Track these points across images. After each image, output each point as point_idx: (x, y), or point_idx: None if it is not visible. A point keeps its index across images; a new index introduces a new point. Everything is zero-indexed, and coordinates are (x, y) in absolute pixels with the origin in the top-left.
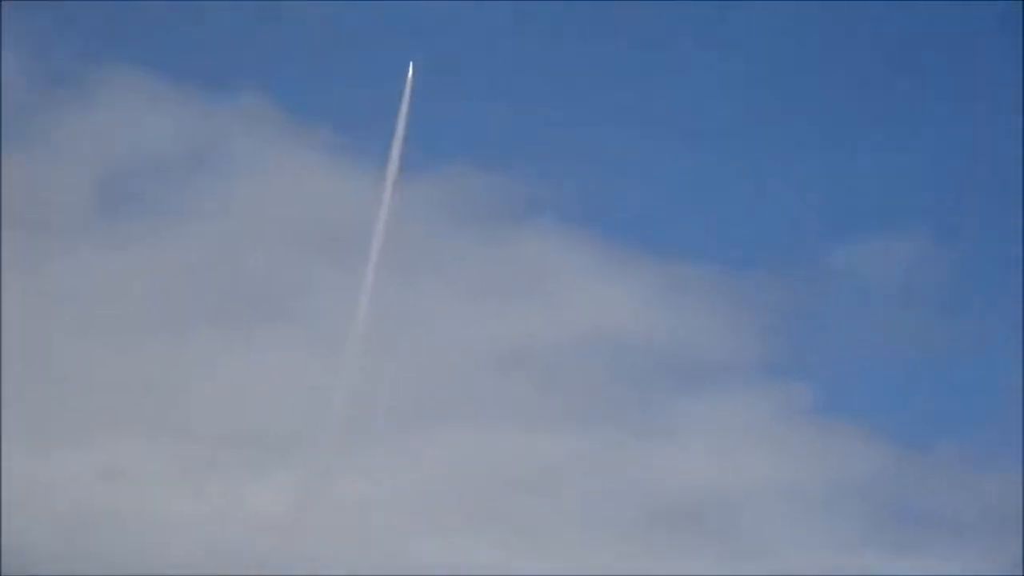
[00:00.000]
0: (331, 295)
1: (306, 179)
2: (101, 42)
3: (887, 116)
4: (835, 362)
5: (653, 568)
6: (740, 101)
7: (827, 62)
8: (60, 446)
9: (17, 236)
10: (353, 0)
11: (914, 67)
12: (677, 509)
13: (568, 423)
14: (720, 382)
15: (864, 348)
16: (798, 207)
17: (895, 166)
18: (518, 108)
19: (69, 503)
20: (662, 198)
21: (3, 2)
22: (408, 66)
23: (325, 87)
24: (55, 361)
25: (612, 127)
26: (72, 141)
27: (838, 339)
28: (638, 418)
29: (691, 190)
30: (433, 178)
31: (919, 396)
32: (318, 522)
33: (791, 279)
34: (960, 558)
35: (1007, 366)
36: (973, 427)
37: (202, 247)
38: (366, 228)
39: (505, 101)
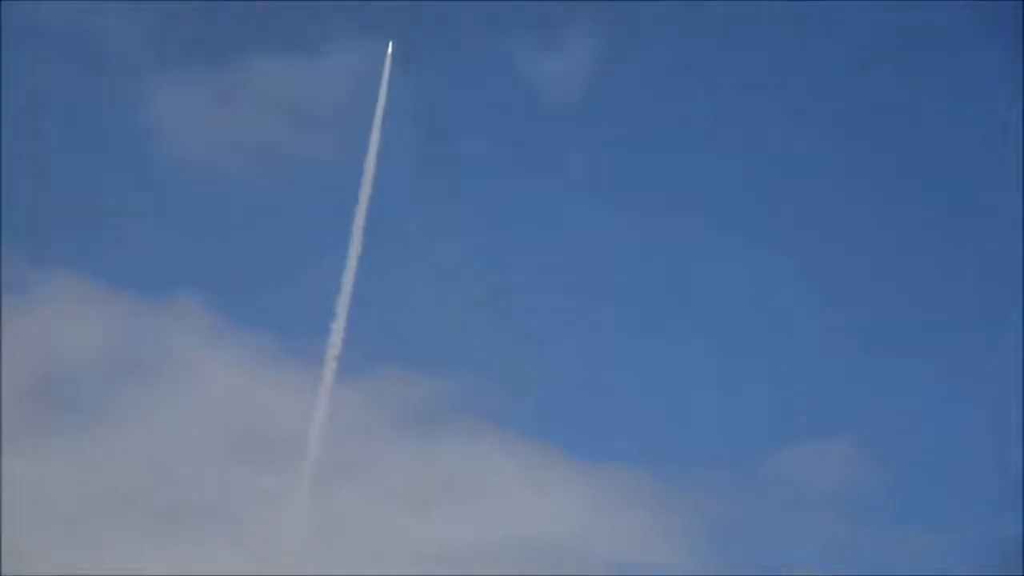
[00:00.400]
0: (266, 498)
1: (240, 381)
2: (36, 245)
3: (820, 325)
4: (770, 569)
5: None
6: (671, 306)
7: (754, 280)
8: None
9: None
10: (286, 205)
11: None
12: None
13: None
14: None
15: (799, 555)
16: (730, 411)
17: (826, 372)
18: (450, 311)
19: None
20: (594, 401)
21: None
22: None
23: (260, 290)
24: None
25: (544, 333)
26: (5, 344)
27: (773, 546)
28: None
29: (623, 395)
30: (367, 381)
31: None
32: None
33: (725, 484)
34: None
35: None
36: None
37: (136, 449)
38: (300, 430)
39: (436, 303)
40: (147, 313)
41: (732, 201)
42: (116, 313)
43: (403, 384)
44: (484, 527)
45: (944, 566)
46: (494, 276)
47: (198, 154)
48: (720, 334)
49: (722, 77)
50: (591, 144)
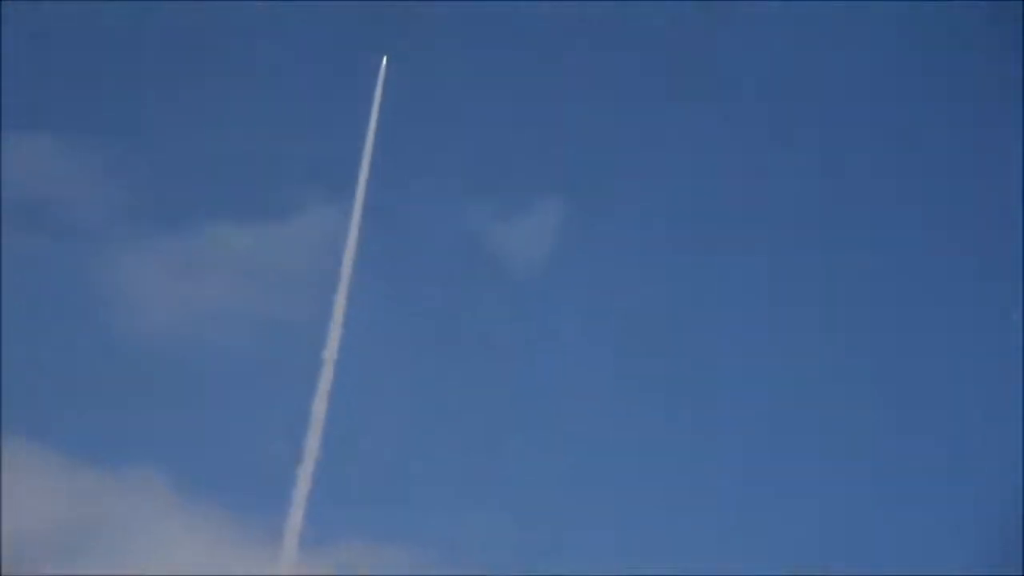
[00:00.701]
0: None
1: (200, 555)
2: None
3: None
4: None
5: None
6: (650, 468)
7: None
8: None
9: None
10: (250, 372)
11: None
12: None
13: None
14: None
15: None
16: (716, 562)
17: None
18: (416, 483)
19: None
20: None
21: None
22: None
23: (222, 461)
24: None
25: (514, 503)
26: None
27: None
28: None
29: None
30: (331, 554)
31: None
32: None
33: None
34: None
35: None
36: None
37: None
38: None
39: (403, 474)
40: (107, 486)
41: (705, 362)
42: (75, 485)
43: (368, 558)
44: None
45: None
46: (464, 447)
47: (160, 323)
48: (705, 489)
49: (691, 241)
50: (557, 309)
